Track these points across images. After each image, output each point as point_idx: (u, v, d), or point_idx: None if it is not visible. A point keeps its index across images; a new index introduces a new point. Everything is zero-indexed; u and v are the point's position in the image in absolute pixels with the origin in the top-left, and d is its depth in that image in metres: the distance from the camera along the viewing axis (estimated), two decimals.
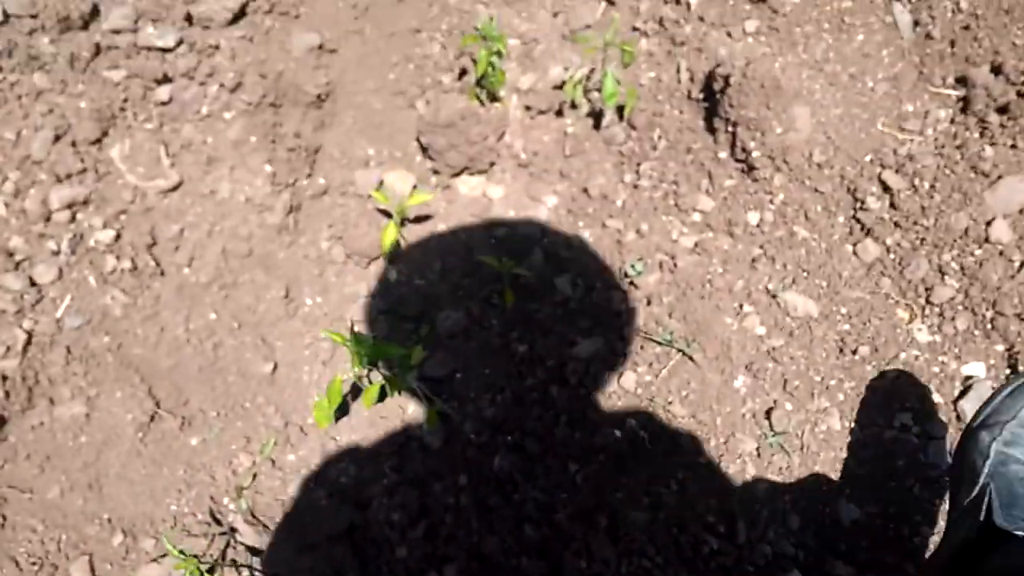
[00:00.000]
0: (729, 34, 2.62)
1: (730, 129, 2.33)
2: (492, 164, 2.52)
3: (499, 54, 2.43)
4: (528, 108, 2.65)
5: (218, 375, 2.07)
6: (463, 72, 2.65)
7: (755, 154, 2.26)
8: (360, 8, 2.53)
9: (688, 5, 2.69)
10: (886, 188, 2.27)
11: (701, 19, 2.66)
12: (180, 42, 2.18)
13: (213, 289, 2.13)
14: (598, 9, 2.81)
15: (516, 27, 2.79)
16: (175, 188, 2.15)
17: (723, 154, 2.35)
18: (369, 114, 2.49)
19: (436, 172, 2.53)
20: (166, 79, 2.16)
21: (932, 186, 2.24)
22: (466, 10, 2.76)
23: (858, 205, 2.26)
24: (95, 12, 2.13)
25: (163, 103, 2.16)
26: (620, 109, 2.55)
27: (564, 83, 2.64)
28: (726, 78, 2.37)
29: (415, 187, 2.50)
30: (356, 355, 1.72)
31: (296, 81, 2.35)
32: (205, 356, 2.06)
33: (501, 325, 2.25)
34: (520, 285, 2.25)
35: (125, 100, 2.11)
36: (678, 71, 2.61)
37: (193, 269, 2.13)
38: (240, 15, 2.28)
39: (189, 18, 2.22)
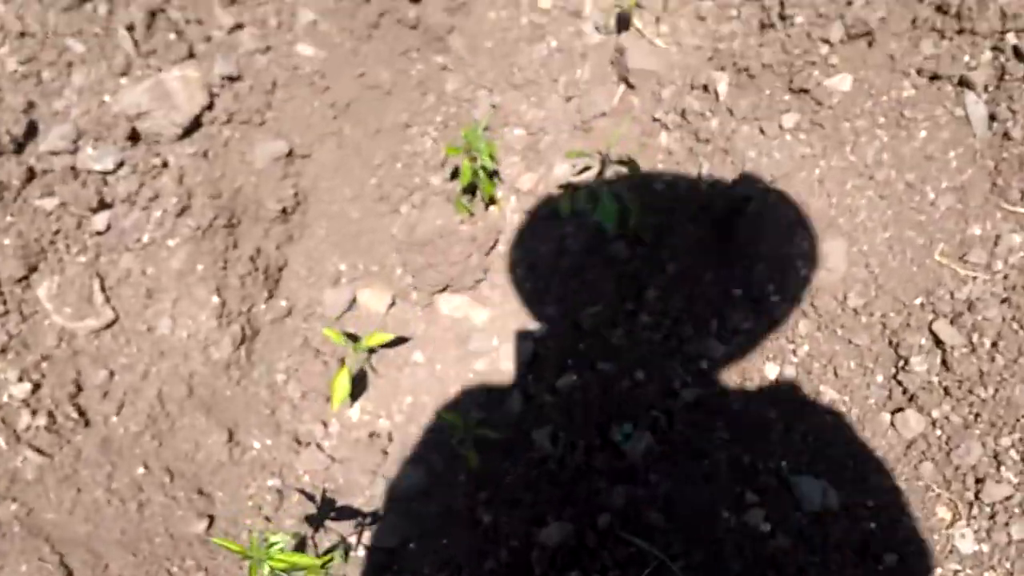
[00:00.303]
0: (762, 130, 2.26)
1: (747, 263, 1.97)
2: (479, 281, 2.24)
3: (490, 158, 2.15)
4: (527, 212, 2.35)
5: (143, 537, 1.88)
6: (456, 172, 2.37)
7: (774, 298, 1.90)
8: (339, 106, 2.29)
9: (716, 95, 2.33)
10: (938, 342, 1.88)
11: (730, 112, 2.30)
12: (121, 164, 1.99)
13: (144, 439, 1.95)
14: (616, 94, 2.49)
15: (522, 115, 2.50)
16: (108, 326, 1.97)
17: (738, 291, 2.00)
18: (344, 224, 2.25)
19: (417, 288, 2.26)
20: (104, 205, 1.99)
21: (994, 344, 1.84)
22: (466, 98, 2.48)
23: (901, 364, 1.88)
24: (31, 132, 1.96)
25: (99, 232, 1.98)
26: (626, 217, 2.21)
27: (569, 184, 2.33)
28: (746, 200, 2.01)
29: (392, 305, 2.25)
30: (253, 568, 1.48)
31: (257, 196, 2.14)
32: (128, 517, 1.88)
33: (468, 484, 1.98)
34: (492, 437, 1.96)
35: (57, 232, 1.94)
36: (699, 176, 2.25)
37: (122, 418, 1.95)
38: (194, 127, 2.08)
39: (135, 135, 2.03)
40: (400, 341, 2.21)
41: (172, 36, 2.11)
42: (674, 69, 2.46)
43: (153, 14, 2.11)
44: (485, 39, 2.57)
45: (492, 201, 2.35)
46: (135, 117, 2.01)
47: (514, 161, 2.45)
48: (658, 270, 2.15)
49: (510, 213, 2.37)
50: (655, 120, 2.41)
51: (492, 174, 2.29)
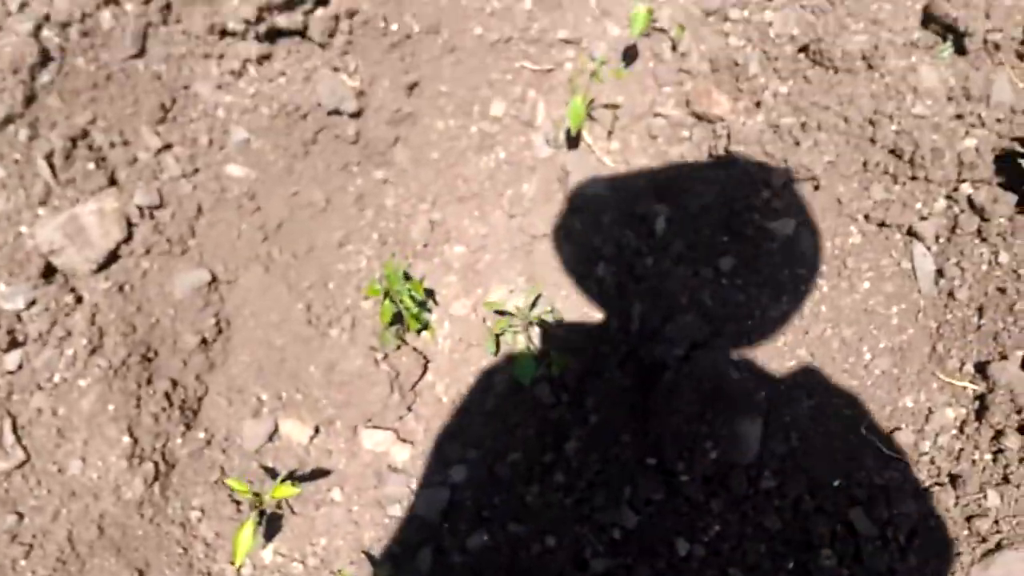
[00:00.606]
0: (696, 273, 2.20)
1: (660, 433, 1.93)
2: (402, 417, 2.21)
3: (412, 299, 2.12)
4: (459, 341, 2.32)
5: None
6: (388, 293, 2.34)
7: (683, 477, 1.85)
8: (269, 228, 2.27)
9: (653, 230, 2.27)
10: (852, 532, 1.83)
11: (665, 249, 2.24)
12: (33, 302, 1.97)
13: None
14: (559, 214, 2.43)
15: (464, 230, 2.46)
16: (19, 467, 1.96)
17: (652, 460, 1.96)
18: (269, 351, 2.24)
19: (340, 419, 2.24)
20: (15, 344, 1.98)
21: (909, 540, 1.80)
22: (406, 214, 2.45)
23: (811, 554, 1.82)
24: None
25: (11, 371, 1.97)
26: (549, 364, 2.17)
27: (503, 312, 2.29)
28: (662, 366, 1.96)
29: (316, 433, 2.23)
30: None
31: (175, 329, 2.11)
32: None
33: None
34: None
35: None
36: (629, 317, 2.21)
37: (31, 562, 1.94)
38: (111, 261, 2.06)
39: (49, 270, 2.01)
40: (321, 474, 2.19)
41: (92, 165, 2.09)
42: (618, 192, 2.40)
43: (74, 140, 2.08)
44: (431, 150, 2.52)
45: (425, 327, 2.32)
46: (49, 253, 1.99)
47: (451, 281, 2.41)
48: (580, 420, 2.11)
49: (442, 340, 2.34)
50: (594, 249, 2.36)
51: (421, 303, 2.26)
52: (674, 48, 2.58)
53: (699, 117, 2.43)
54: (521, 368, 2.03)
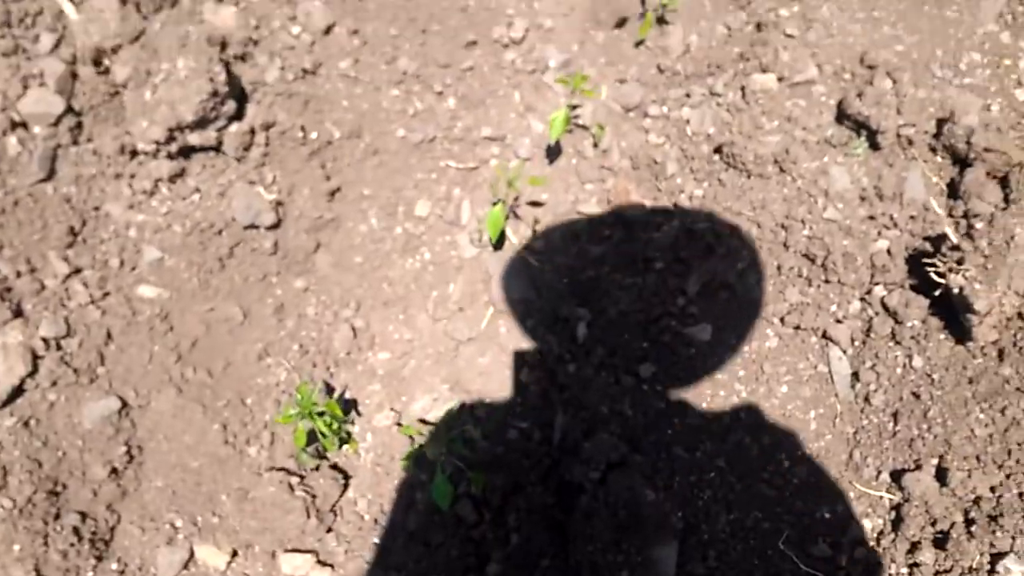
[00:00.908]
0: (617, 380, 2.22)
1: (577, 558, 1.93)
2: (321, 539, 2.19)
3: (328, 422, 2.12)
4: (383, 452, 2.31)
5: None
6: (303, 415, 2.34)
7: None
8: (183, 347, 2.27)
9: (574, 338, 2.29)
10: None
11: (587, 355, 2.26)
12: None
13: None
14: (484, 317, 2.46)
15: (388, 335, 2.48)
16: None
17: None
18: (183, 475, 2.22)
19: (258, 543, 2.22)
20: None
21: None
22: (328, 322, 2.46)
23: None
24: None
25: None
26: (468, 485, 2.18)
27: (425, 421, 2.30)
28: (580, 490, 1.97)
29: (234, 556, 2.21)
30: None
31: (84, 460, 2.10)
32: None
33: None
34: None
35: None
36: (552, 427, 2.22)
37: None
38: (15, 396, 2.05)
39: None
40: None
41: None
42: (541, 294, 2.43)
43: None
44: (354, 254, 2.54)
45: (346, 440, 2.31)
46: None
47: (374, 390, 2.42)
48: (502, 540, 2.10)
49: (364, 453, 2.33)
50: (518, 355, 2.38)
51: (342, 421, 2.26)
52: (596, 145, 2.63)
53: (619, 217, 2.47)
54: (439, 493, 2.03)
